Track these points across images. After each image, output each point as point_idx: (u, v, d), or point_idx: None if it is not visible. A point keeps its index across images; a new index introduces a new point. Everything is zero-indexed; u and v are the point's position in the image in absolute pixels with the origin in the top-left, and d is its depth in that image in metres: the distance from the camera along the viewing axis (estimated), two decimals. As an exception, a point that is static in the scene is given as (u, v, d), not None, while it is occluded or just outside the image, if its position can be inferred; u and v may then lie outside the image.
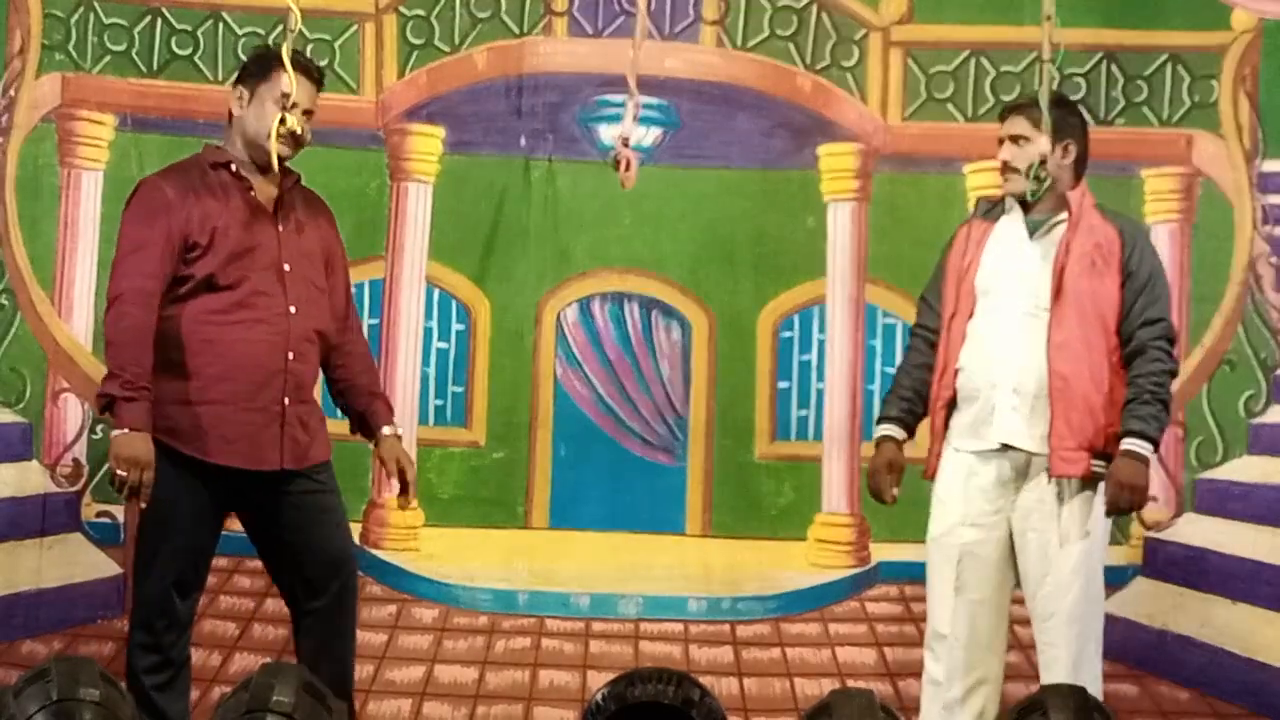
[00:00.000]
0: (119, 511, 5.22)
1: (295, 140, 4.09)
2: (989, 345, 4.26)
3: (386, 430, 4.24)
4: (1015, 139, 4.28)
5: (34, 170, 5.26)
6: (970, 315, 4.29)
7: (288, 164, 4.14)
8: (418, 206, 5.40)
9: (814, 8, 5.44)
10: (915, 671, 4.51)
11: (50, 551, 5.16)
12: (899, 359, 4.74)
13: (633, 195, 4.90)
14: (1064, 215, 4.27)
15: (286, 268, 4.07)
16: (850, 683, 5.08)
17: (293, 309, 4.06)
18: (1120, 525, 5.24)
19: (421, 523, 5.33)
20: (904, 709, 4.38)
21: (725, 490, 5.37)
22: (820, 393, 5.41)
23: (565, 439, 5.37)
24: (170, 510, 3.97)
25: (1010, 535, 4.27)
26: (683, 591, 5.34)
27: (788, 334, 5.43)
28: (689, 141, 5.40)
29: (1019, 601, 4.37)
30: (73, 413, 5.25)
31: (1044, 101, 4.14)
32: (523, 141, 5.36)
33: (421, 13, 5.41)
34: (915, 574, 4.65)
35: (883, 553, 5.30)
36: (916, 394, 4.39)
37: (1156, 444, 4.18)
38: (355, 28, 5.39)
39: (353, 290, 4.42)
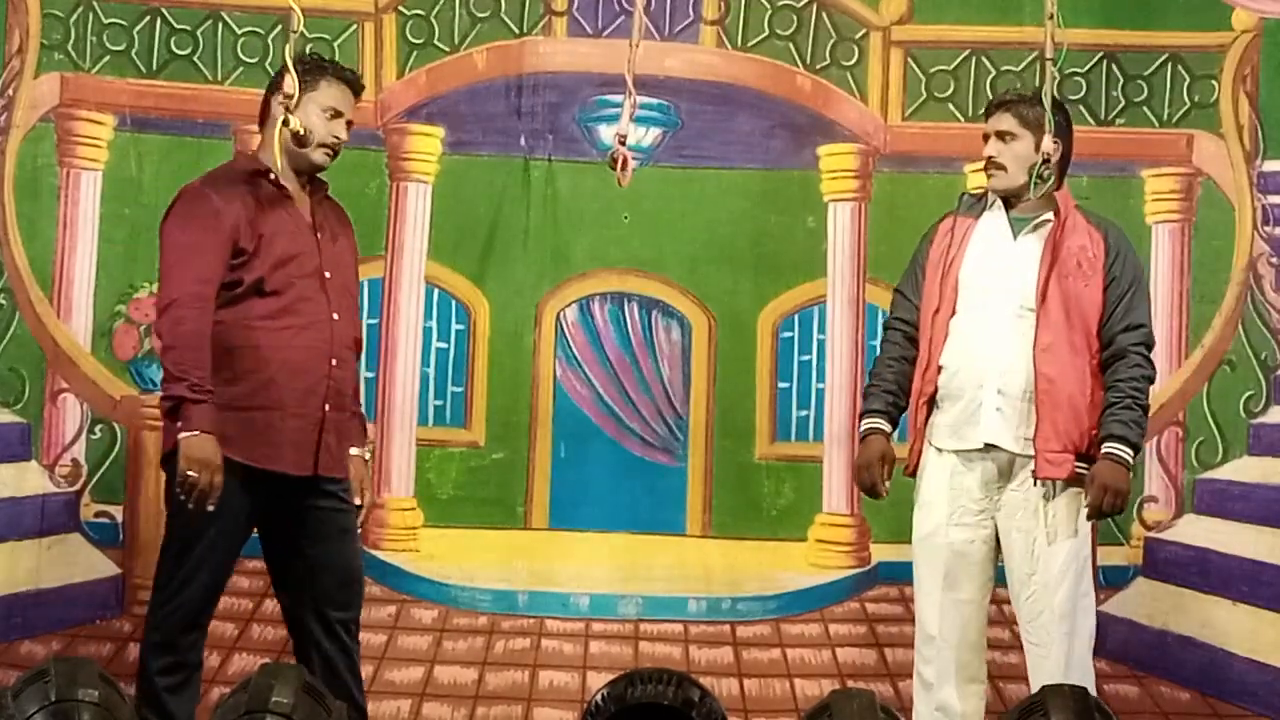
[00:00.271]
0: (118, 512, 5.22)
1: (333, 149, 4.14)
2: (973, 344, 4.25)
3: (355, 451, 4.25)
4: (1001, 135, 4.28)
5: (33, 170, 5.26)
6: (954, 312, 4.29)
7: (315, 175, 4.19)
8: (417, 206, 5.40)
9: (814, 8, 5.43)
10: (915, 672, 4.51)
11: (49, 552, 5.15)
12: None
13: (632, 195, 4.91)
14: (1048, 215, 4.27)
15: (327, 275, 4.12)
16: (850, 683, 5.07)
17: (335, 316, 4.11)
18: (1120, 525, 5.25)
19: (421, 523, 5.33)
20: (904, 709, 4.37)
21: (725, 491, 5.36)
22: (820, 393, 5.40)
23: (565, 439, 5.37)
24: (215, 515, 3.94)
25: (995, 535, 4.27)
26: (683, 592, 5.34)
27: (788, 334, 5.42)
28: (689, 141, 5.40)
29: (1006, 601, 4.37)
30: (71, 413, 5.24)
31: (1047, 100, 4.13)
32: (522, 141, 5.36)
33: (421, 12, 5.40)
34: (916, 575, 4.64)
35: (883, 553, 5.30)
36: (899, 387, 4.38)
37: (1138, 449, 4.19)
38: (355, 27, 5.39)
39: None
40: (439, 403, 5.38)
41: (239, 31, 5.34)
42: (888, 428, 4.38)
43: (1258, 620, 5.11)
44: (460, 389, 5.40)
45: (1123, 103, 5.40)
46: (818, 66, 5.43)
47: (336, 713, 3.36)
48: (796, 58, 5.43)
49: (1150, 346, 4.26)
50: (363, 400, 4.42)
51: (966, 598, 4.27)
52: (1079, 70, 5.32)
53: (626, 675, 3.45)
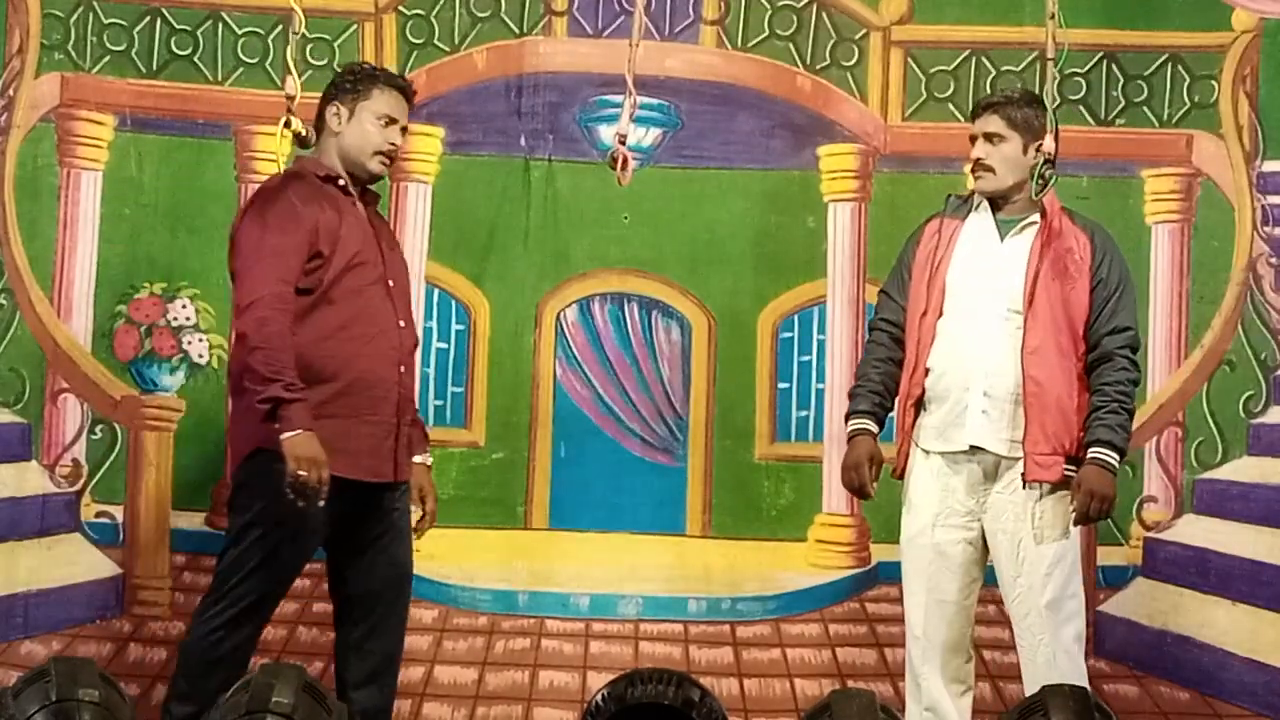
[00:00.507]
0: (118, 512, 5.22)
1: (389, 156, 4.18)
2: (960, 347, 4.26)
3: (418, 459, 4.29)
4: (989, 137, 4.29)
5: (33, 170, 5.26)
6: (940, 314, 4.29)
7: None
8: (417, 206, 5.40)
9: (814, 8, 5.43)
10: (915, 672, 4.51)
11: (50, 552, 5.15)
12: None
13: (632, 195, 4.91)
14: (1035, 217, 4.27)
15: (391, 283, 4.17)
16: (850, 683, 5.08)
17: (401, 323, 4.16)
18: (1120, 525, 5.26)
19: (421, 523, 5.33)
20: (904, 709, 4.38)
21: (725, 491, 5.36)
22: (820, 393, 5.40)
23: (565, 439, 5.37)
24: (304, 519, 3.93)
25: (983, 537, 4.27)
26: (683, 592, 5.34)
27: (788, 334, 5.42)
28: (689, 141, 5.40)
29: (998, 602, 4.38)
30: (72, 413, 5.24)
31: (1049, 101, 4.12)
32: (522, 141, 5.36)
33: (421, 12, 5.40)
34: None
35: (883, 553, 5.29)
36: (885, 388, 4.38)
37: (1124, 454, 4.20)
38: (355, 27, 5.39)
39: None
40: (439, 403, 5.38)
41: (239, 32, 5.34)
42: (875, 428, 4.38)
43: (1257, 620, 5.11)
44: (460, 389, 5.40)
45: (1123, 103, 5.40)
46: (818, 67, 5.43)
47: (337, 713, 3.36)
48: (796, 58, 5.43)
49: (1136, 349, 4.26)
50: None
51: (949, 599, 4.28)
52: (1079, 70, 5.32)
53: (627, 675, 3.46)
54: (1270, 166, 5.31)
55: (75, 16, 5.29)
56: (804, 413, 5.41)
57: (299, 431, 3.86)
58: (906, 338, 4.35)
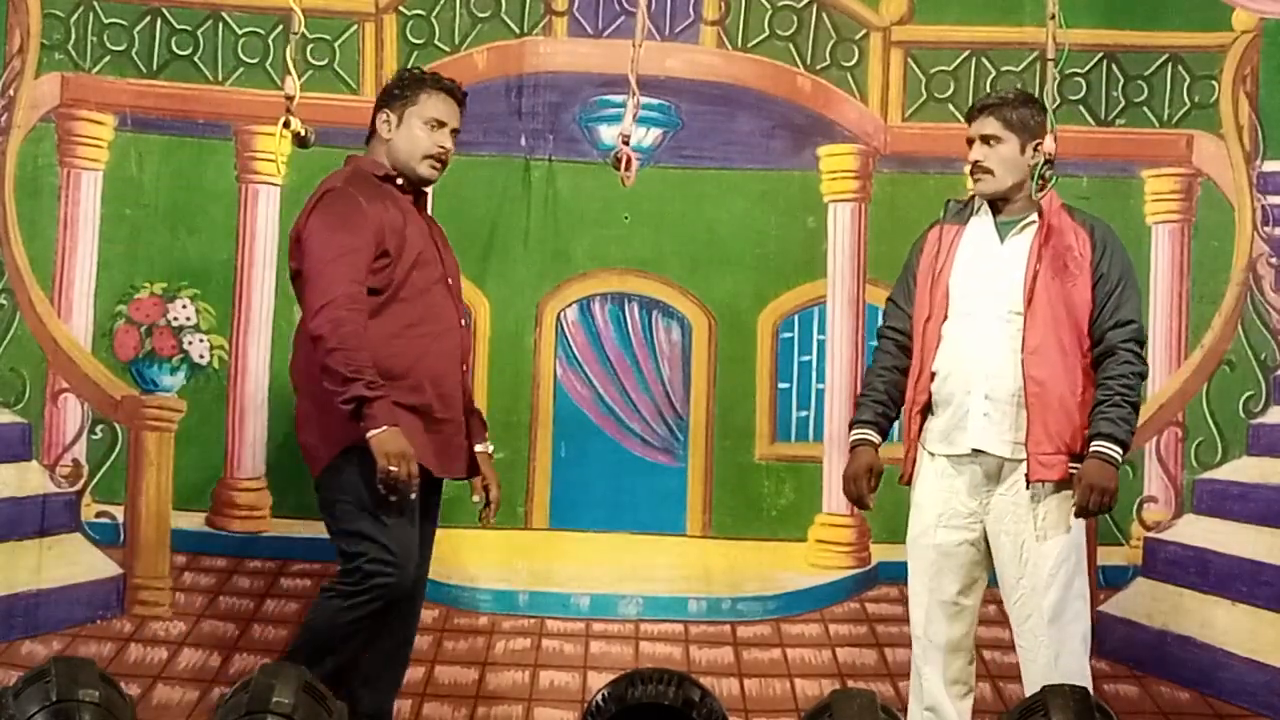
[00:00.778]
0: (118, 512, 5.22)
1: (440, 159, 4.21)
2: (962, 350, 4.26)
3: (480, 448, 4.33)
4: (986, 139, 4.28)
5: (33, 170, 5.25)
6: (944, 318, 4.29)
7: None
8: (417, 206, 5.39)
9: (814, 8, 5.44)
10: (915, 672, 4.51)
11: (50, 552, 5.15)
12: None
13: (632, 195, 4.90)
14: (1034, 217, 4.27)
15: (450, 282, 4.22)
16: (851, 683, 5.07)
17: (463, 322, 4.23)
18: (1120, 525, 5.26)
19: (421, 523, 5.32)
20: (904, 709, 4.38)
21: (725, 491, 5.37)
22: (820, 393, 5.40)
23: (565, 439, 5.37)
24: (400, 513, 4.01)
25: (986, 539, 4.28)
26: (683, 592, 5.34)
27: (788, 334, 5.42)
28: (689, 142, 5.40)
29: (998, 602, 4.38)
30: (72, 413, 5.24)
31: (1049, 102, 4.12)
32: (523, 142, 5.36)
33: (421, 13, 5.40)
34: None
35: (883, 553, 5.29)
36: (890, 397, 4.40)
37: (1127, 447, 4.18)
38: (355, 28, 5.39)
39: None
40: (439, 403, 5.37)
41: (240, 32, 5.33)
42: (877, 439, 4.39)
43: (1257, 620, 5.11)
44: (460, 389, 5.39)
45: (1123, 103, 5.40)
46: (818, 67, 5.43)
47: (338, 713, 3.37)
48: (796, 58, 5.43)
49: (1141, 342, 4.26)
50: None
51: (950, 599, 4.28)
52: (1079, 70, 5.32)
53: (627, 675, 3.46)
54: (1270, 166, 5.31)
55: (75, 16, 5.29)
56: (804, 413, 5.41)
57: (385, 428, 3.91)
58: (913, 345, 4.35)
